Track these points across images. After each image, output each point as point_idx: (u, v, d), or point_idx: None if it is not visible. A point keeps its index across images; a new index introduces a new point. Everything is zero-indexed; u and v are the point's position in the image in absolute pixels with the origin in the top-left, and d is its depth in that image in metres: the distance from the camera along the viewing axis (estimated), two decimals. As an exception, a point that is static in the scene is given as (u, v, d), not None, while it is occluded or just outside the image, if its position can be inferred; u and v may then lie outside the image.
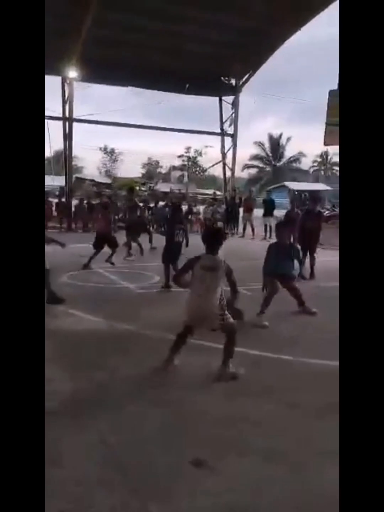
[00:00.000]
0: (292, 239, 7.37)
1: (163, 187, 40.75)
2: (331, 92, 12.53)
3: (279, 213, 13.78)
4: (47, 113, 14.60)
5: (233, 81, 19.08)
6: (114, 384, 3.69)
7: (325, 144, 13.63)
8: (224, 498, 2.35)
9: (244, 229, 16.97)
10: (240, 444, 2.85)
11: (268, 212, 16.32)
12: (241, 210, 17.78)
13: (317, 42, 42.48)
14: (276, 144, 53.21)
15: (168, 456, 2.69)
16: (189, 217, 17.10)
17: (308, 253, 8.34)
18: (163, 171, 57.05)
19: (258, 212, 17.28)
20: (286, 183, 45.13)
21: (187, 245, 7.39)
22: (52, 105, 16.04)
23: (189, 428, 3.04)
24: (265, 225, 16.14)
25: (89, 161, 54.32)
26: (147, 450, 2.75)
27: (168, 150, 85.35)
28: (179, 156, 52.94)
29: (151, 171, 57.84)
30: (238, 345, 3.96)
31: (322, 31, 74.23)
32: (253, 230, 16.50)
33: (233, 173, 20.39)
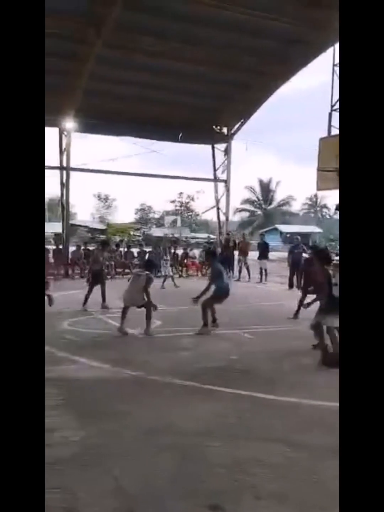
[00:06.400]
0: None
1: (156, 232, 41.14)
2: (321, 140, 13.02)
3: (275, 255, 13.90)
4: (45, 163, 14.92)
5: (225, 130, 19.72)
6: None
7: (318, 189, 14.01)
8: None
9: (239, 272, 16.96)
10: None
11: (263, 255, 16.46)
12: (235, 253, 17.92)
13: (305, 90, 44.91)
14: (266, 188, 54.27)
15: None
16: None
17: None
18: (156, 216, 57.66)
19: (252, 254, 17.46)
20: (278, 225, 45.78)
21: None
22: (49, 155, 16.42)
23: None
24: (260, 268, 16.26)
25: (80, 207, 54.82)
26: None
27: (161, 196, 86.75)
28: (172, 201, 53.69)
29: (144, 216, 58.44)
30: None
31: (311, 81, 78.06)
32: (249, 273, 16.60)
33: (227, 217, 20.74)
